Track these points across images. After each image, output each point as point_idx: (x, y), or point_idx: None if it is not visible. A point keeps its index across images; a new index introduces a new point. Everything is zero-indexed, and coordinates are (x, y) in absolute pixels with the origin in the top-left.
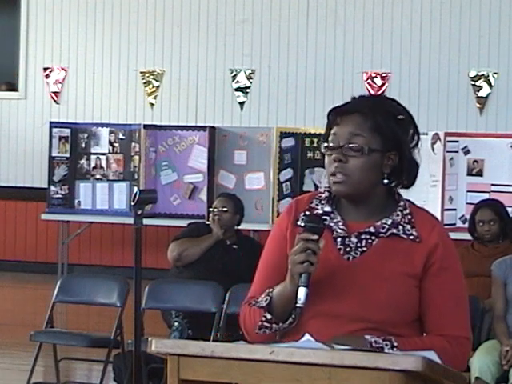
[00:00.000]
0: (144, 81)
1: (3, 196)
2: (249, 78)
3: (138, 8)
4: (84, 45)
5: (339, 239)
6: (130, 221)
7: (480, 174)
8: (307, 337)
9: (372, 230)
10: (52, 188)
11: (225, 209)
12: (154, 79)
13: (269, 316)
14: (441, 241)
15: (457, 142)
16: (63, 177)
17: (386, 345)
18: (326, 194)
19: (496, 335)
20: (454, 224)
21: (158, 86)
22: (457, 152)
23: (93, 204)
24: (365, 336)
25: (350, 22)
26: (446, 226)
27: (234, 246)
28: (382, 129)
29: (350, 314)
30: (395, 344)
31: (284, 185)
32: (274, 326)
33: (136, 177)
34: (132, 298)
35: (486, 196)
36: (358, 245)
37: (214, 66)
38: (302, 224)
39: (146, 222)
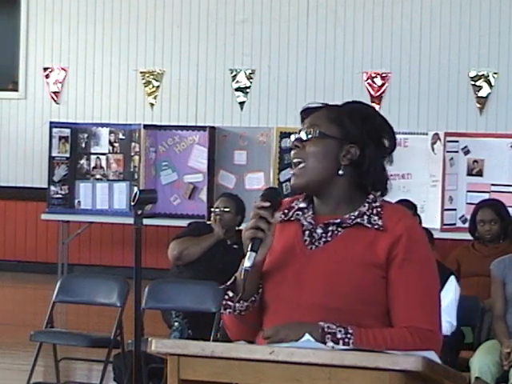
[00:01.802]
0: (144, 81)
1: (3, 196)
2: (249, 78)
3: (138, 8)
4: (84, 45)
5: (307, 232)
6: (130, 221)
7: (480, 174)
8: (307, 337)
9: (337, 220)
10: (52, 188)
11: (227, 209)
12: (154, 79)
13: (231, 294)
14: (406, 232)
15: (457, 141)
16: (63, 177)
17: (340, 331)
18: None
19: (496, 335)
20: (454, 224)
21: (158, 86)
22: (457, 152)
23: (93, 204)
24: (318, 322)
25: (350, 22)
26: (445, 226)
27: (235, 246)
28: (340, 119)
29: (312, 303)
30: (350, 331)
31: (284, 185)
32: (237, 304)
33: (136, 177)
34: (132, 298)
35: (486, 196)
36: (323, 235)
37: (214, 66)
38: (260, 195)
39: (146, 222)
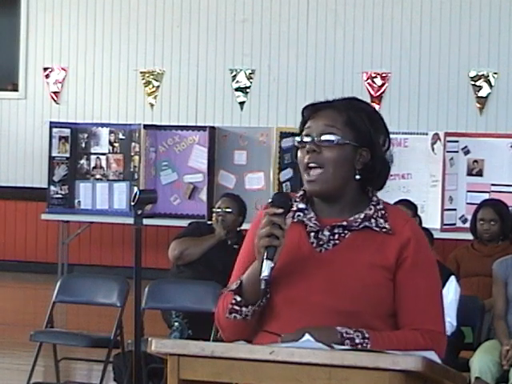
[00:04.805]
0: (144, 81)
1: (3, 196)
2: (249, 78)
3: (138, 8)
4: (84, 45)
5: (312, 233)
6: (130, 221)
7: (480, 173)
8: (307, 337)
9: (344, 223)
10: (52, 188)
11: (229, 210)
12: (153, 79)
13: (238, 298)
14: (414, 235)
15: (457, 142)
16: (63, 177)
17: (358, 336)
18: (301, 192)
19: (496, 335)
20: (454, 224)
21: (158, 86)
22: (457, 152)
23: (93, 204)
24: (336, 327)
25: (350, 22)
26: (445, 226)
27: (235, 246)
28: (355, 124)
29: (323, 305)
30: (366, 335)
31: (284, 185)
32: (244, 309)
33: (136, 177)
34: (132, 298)
35: (486, 196)
36: (331, 238)
37: (214, 66)
38: (270, 200)
39: (146, 222)
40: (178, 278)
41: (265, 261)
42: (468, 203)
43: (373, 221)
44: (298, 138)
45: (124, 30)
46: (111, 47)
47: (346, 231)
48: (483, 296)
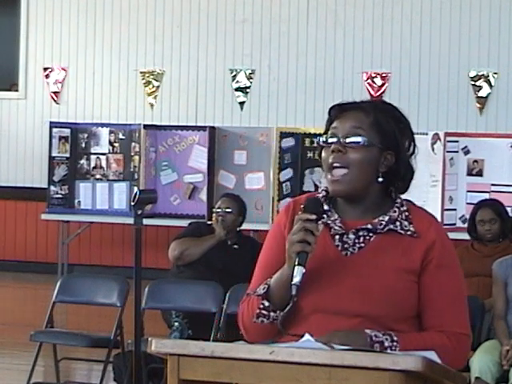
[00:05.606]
0: (144, 81)
1: (3, 196)
2: (249, 78)
3: (138, 8)
4: (84, 45)
5: (337, 236)
6: (130, 221)
7: (480, 173)
8: (307, 337)
9: (369, 226)
10: (52, 188)
11: (229, 210)
12: (153, 79)
13: (266, 303)
14: (438, 238)
15: (457, 141)
16: (63, 177)
17: (386, 339)
18: (323, 193)
19: (496, 335)
20: (454, 224)
21: (158, 86)
22: (457, 152)
23: (93, 204)
24: (365, 330)
25: (350, 22)
26: (445, 226)
27: (235, 246)
28: (381, 126)
29: (349, 308)
30: (395, 338)
31: (284, 185)
32: (272, 313)
33: (136, 177)
34: (132, 298)
35: (486, 196)
36: (356, 241)
37: (214, 66)
38: (302, 206)
39: (146, 222)
40: (178, 278)
41: (296, 267)
42: (468, 203)
43: (397, 223)
44: (323, 138)
45: (124, 30)
46: (111, 47)
47: (370, 234)
48: (483, 296)
